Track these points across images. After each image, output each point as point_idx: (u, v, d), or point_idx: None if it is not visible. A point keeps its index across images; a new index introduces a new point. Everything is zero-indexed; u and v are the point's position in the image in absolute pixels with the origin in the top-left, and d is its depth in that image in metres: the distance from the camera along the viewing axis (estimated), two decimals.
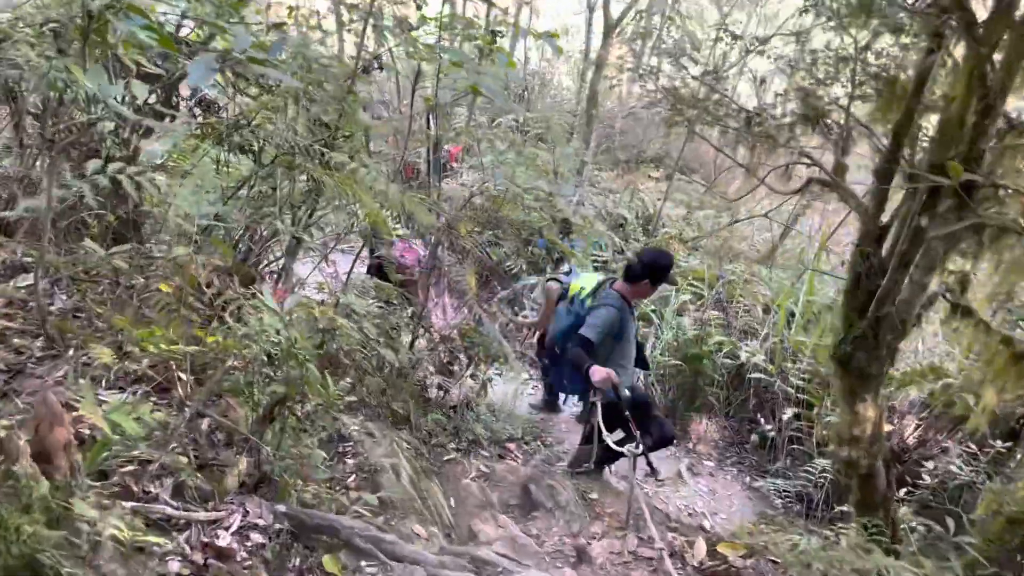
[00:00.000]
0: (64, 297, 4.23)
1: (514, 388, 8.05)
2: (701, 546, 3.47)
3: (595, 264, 10.13)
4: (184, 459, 2.81)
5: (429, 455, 5.41)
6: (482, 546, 3.38)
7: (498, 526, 3.77)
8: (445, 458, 5.42)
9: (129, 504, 2.36)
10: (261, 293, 2.92)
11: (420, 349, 6.52)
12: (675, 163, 10.81)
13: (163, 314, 3.32)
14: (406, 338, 6.27)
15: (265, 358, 2.72)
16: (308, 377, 2.71)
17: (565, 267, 7.31)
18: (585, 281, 5.72)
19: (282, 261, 5.13)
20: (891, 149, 3.71)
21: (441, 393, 6.45)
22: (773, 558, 3.53)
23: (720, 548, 3.44)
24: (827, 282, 9.86)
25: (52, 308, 3.98)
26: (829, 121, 4.72)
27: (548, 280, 7.22)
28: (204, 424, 2.96)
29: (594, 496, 4.71)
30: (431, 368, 6.22)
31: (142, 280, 4.09)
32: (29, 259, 4.31)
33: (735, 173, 11.32)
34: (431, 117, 10.14)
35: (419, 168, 13.90)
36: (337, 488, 3.64)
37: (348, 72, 4.81)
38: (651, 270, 5.09)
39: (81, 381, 3.00)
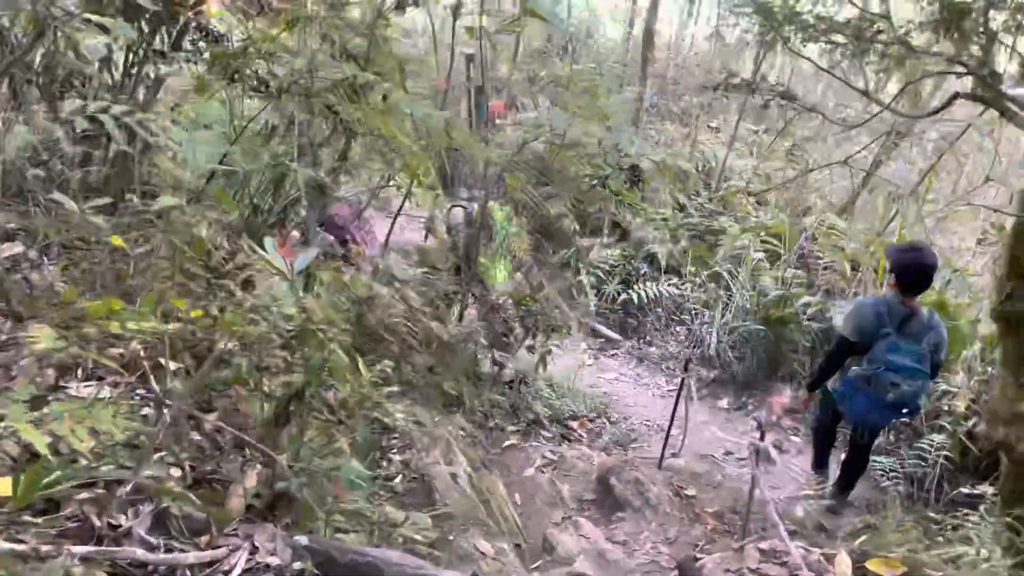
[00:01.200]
0: (52, 268, 3.58)
1: (576, 360, 7.33)
2: (844, 562, 2.71)
3: (654, 221, 9.28)
4: (178, 473, 2.12)
5: (487, 441, 4.72)
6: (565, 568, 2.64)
7: (580, 535, 3.04)
8: (505, 443, 4.72)
9: (84, 549, 1.67)
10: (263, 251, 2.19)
11: (470, 319, 5.81)
12: (741, 108, 9.83)
13: (160, 283, 2.63)
14: (454, 307, 5.56)
15: (276, 337, 2.00)
16: (333, 362, 1.99)
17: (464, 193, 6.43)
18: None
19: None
20: None
21: (496, 368, 5.74)
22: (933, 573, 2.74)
23: (871, 566, 2.67)
24: (915, 235, 8.88)
25: (35, 280, 3.33)
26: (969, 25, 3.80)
27: (452, 207, 6.39)
28: (206, 426, 2.26)
29: (691, 493, 3.96)
30: (483, 341, 5.50)
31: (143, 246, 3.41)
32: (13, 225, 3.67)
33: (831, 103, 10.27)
34: (471, 63, 9.36)
35: None
36: (383, 495, 2.94)
37: None
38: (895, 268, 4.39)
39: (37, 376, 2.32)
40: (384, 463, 3.22)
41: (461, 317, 5.68)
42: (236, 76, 3.36)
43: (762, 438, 3.52)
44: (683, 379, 4.01)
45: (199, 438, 2.37)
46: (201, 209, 2.56)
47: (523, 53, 15.23)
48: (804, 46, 4.33)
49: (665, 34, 17.59)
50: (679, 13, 17.11)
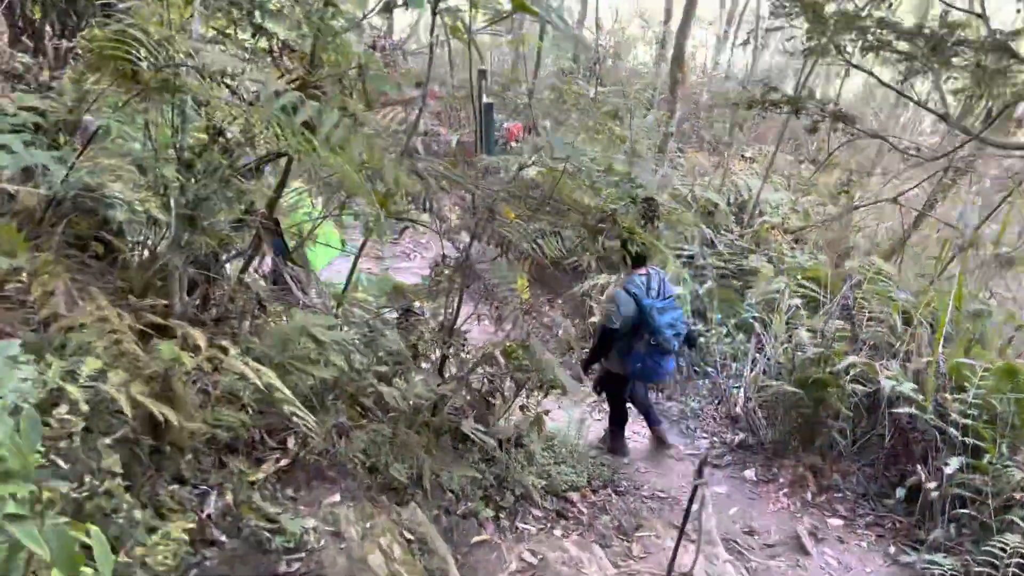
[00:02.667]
0: None
1: (579, 418, 6.41)
2: None
3: (681, 259, 8.36)
4: None
5: (453, 533, 3.82)
6: None
7: None
8: (474, 539, 3.81)
9: None
10: None
11: (456, 371, 4.95)
12: (779, 136, 8.89)
13: None
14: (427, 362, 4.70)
15: None
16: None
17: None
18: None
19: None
20: None
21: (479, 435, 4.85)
22: None
23: None
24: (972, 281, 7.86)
25: None
26: None
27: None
28: None
29: None
30: (463, 402, 4.63)
31: None
32: None
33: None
34: (484, 80, 8.59)
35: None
36: None
37: None
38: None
39: None
40: None
41: (441, 371, 4.81)
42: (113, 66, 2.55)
43: None
44: (695, 486, 3.09)
45: None
46: None
47: (549, 74, 14.49)
48: (863, 56, 3.44)
49: (700, 58, 16.78)
50: (716, 36, 16.28)
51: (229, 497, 2.49)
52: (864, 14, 3.54)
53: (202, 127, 2.56)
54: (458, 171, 4.04)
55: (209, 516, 2.43)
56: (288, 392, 2.08)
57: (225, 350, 2.00)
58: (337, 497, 3.05)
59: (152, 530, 2.20)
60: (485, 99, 8.09)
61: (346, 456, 3.21)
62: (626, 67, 14.47)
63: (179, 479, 2.51)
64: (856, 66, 3.46)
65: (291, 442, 3.39)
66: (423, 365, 4.80)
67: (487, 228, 4.24)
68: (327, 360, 2.70)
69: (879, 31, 3.44)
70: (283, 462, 3.10)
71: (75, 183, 2.24)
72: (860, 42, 3.35)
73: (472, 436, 3.78)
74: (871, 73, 3.70)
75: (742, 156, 11.03)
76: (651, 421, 6.16)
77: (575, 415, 6.39)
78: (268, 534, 2.45)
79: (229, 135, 2.49)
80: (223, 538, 2.39)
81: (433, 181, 3.47)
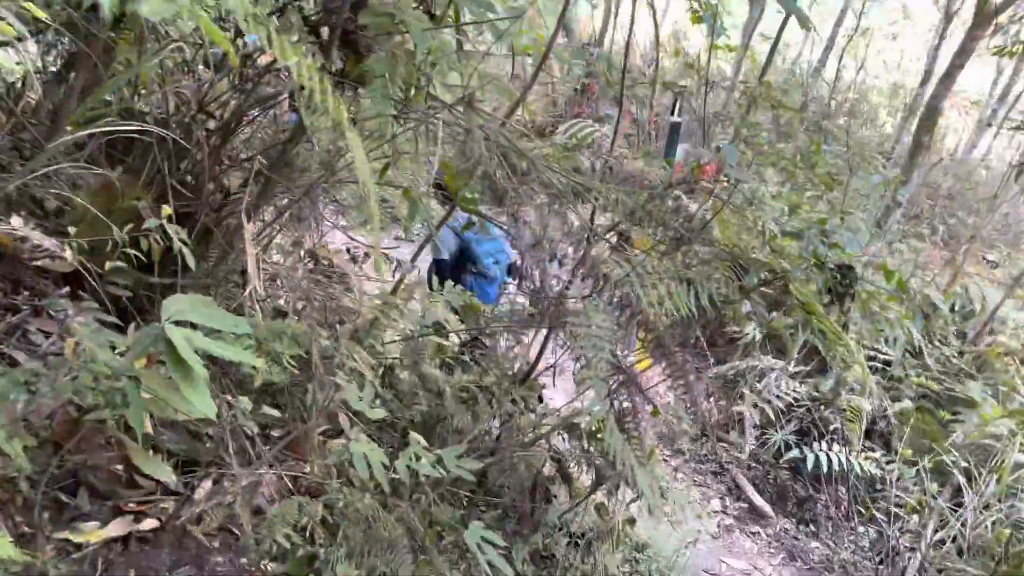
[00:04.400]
0: None
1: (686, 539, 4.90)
2: None
3: (872, 364, 6.59)
4: None
5: None
6: None
7: None
8: None
9: None
10: None
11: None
12: None
13: None
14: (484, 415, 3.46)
15: None
16: None
17: None
18: None
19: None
20: None
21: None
22: None
23: None
24: None
25: None
26: None
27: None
28: None
29: None
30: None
31: None
32: None
33: None
34: (681, 98, 7.37)
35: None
36: None
37: None
38: None
39: None
40: None
41: (499, 438, 3.59)
42: None
43: None
44: None
45: None
46: None
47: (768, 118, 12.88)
48: None
49: (951, 142, 14.45)
50: (980, 119, 13.83)
51: None
52: None
53: None
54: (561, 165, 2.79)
55: None
56: None
57: None
58: None
59: None
60: (675, 117, 6.80)
61: (251, 537, 2.04)
62: (862, 130, 12.56)
63: None
64: None
65: (205, 489, 2.28)
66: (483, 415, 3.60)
67: (591, 258, 2.96)
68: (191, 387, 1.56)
69: None
70: (145, 524, 1.99)
71: None
72: None
73: (477, 550, 2.46)
74: None
75: (983, 258, 8.91)
76: None
77: (682, 532, 4.89)
78: None
79: None
80: None
81: (500, 168, 2.25)
